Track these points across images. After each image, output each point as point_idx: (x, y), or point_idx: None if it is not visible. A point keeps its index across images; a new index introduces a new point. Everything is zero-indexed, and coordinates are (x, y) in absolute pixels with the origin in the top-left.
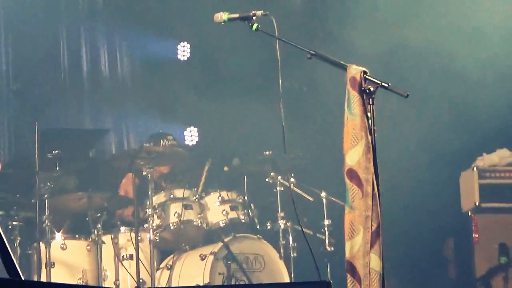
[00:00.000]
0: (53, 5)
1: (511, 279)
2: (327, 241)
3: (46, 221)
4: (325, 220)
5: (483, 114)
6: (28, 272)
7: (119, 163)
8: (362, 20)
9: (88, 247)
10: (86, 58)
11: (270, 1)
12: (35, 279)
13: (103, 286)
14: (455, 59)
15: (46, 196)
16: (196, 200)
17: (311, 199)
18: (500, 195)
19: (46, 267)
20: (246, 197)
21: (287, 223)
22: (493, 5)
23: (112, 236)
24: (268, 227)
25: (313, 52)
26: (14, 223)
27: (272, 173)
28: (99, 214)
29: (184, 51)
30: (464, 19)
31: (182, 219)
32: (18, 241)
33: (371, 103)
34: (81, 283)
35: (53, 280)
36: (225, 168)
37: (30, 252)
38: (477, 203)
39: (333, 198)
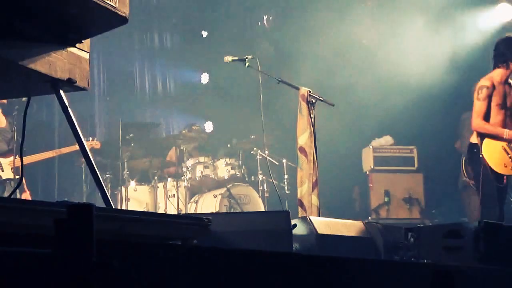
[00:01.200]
0: (130, 46)
1: (391, 210)
2: (286, 187)
3: (126, 174)
4: (285, 175)
5: (375, 114)
6: (115, 204)
7: (167, 141)
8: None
9: (149, 190)
10: (148, 81)
11: (255, 48)
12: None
13: (159, 212)
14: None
15: (126, 160)
16: (211, 163)
17: (277, 163)
18: (385, 162)
19: (125, 201)
20: (240, 162)
21: (263, 177)
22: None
23: (163, 184)
24: (253, 179)
25: (280, 79)
26: (108, 175)
27: (255, 148)
28: (155, 171)
29: (205, 77)
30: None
31: (203, 174)
32: (109, 186)
33: (313, 108)
34: (145, 210)
35: (129, 208)
36: (228, 145)
37: (116, 192)
38: (372, 167)
39: (290, 163)
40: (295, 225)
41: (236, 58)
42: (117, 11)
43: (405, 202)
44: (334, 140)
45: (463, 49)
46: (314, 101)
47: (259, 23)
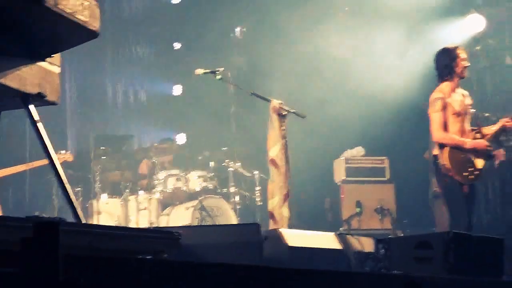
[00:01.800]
0: (102, 59)
1: (362, 220)
2: (257, 199)
3: (97, 187)
4: (256, 187)
5: (347, 125)
6: (86, 217)
7: (139, 154)
8: (283, 70)
9: (121, 203)
10: (120, 93)
11: (228, 60)
12: (90, 222)
13: (131, 226)
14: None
15: (97, 173)
16: (183, 175)
17: (249, 175)
18: (357, 173)
19: (96, 215)
20: (212, 174)
21: (235, 189)
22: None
23: (135, 196)
24: (225, 191)
25: (252, 91)
26: (79, 188)
27: (227, 160)
28: (127, 184)
29: (177, 89)
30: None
31: (175, 186)
32: (80, 199)
33: (284, 121)
34: (117, 224)
35: (100, 222)
36: (200, 157)
37: (87, 205)
38: (343, 178)
39: (262, 175)
40: (265, 238)
41: (208, 70)
42: (87, 25)
43: (377, 213)
44: (306, 152)
45: (429, 61)
46: (285, 113)
47: (232, 35)
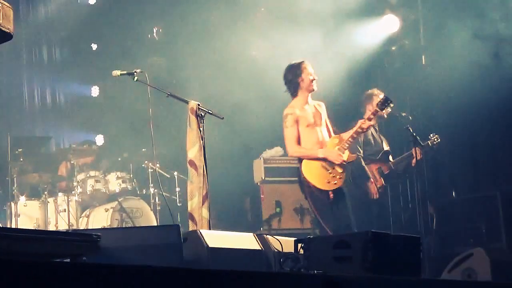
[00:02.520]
0: (18, 60)
1: (282, 220)
2: (177, 200)
3: (15, 190)
4: (176, 187)
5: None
6: (4, 221)
7: (57, 155)
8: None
9: (40, 205)
10: (37, 94)
11: (146, 60)
12: (8, 225)
13: (49, 230)
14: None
15: (15, 175)
16: (102, 177)
17: (168, 176)
18: (276, 173)
19: (15, 217)
20: (131, 175)
21: (155, 190)
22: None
23: (54, 198)
24: (144, 192)
25: (169, 93)
26: None
27: (146, 161)
28: (46, 186)
29: (95, 90)
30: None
31: (94, 188)
32: None
33: (202, 122)
34: (36, 227)
35: (19, 225)
36: (119, 159)
37: (5, 208)
38: (263, 178)
39: (181, 176)
40: (185, 239)
41: (125, 72)
42: (1, 27)
43: (296, 213)
44: (225, 152)
45: (350, 61)
46: (203, 114)
47: (149, 35)
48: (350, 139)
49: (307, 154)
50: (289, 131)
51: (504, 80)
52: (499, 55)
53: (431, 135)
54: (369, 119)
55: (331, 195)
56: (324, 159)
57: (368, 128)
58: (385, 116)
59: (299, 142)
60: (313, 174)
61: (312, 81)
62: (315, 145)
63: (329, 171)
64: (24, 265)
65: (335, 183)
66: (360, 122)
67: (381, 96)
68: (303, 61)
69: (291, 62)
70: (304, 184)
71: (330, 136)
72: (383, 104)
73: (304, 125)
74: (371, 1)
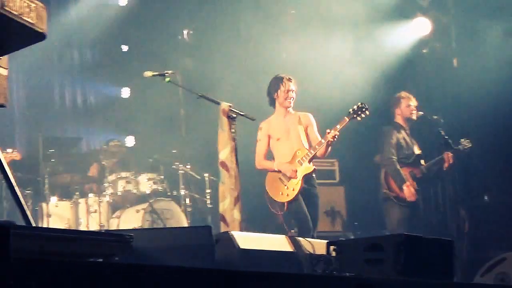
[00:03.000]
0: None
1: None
2: (208, 202)
3: (46, 190)
4: (207, 189)
5: None
6: (36, 221)
7: (88, 156)
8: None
9: (71, 206)
10: (68, 95)
11: (176, 62)
12: (40, 225)
13: (81, 229)
14: None
15: (46, 175)
16: (133, 178)
17: (199, 177)
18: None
19: (46, 217)
20: (162, 176)
21: (186, 191)
22: None
23: (85, 199)
24: (175, 193)
25: (201, 94)
26: (28, 191)
27: (176, 162)
28: (77, 186)
29: (125, 92)
30: None
31: (125, 189)
32: (30, 202)
33: (234, 123)
34: (67, 227)
35: (50, 225)
36: (150, 160)
37: (37, 208)
38: None
39: (212, 177)
40: (217, 240)
41: (156, 73)
42: (35, 27)
43: (327, 215)
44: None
45: (381, 64)
46: (235, 116)
47: (180, 37)
48: (311, 150)
49: (267, 167)
50: (259, 144)
51: None
52: None
53: (463, 140)
54: (335, 129)
55: (286, 207)
56: (279, 171)
57: (334, 140)
58: (414, 118)
59: (269, 154)
60: (272, 185)
61: (286, 98)
62: (285, 157)
63: (284, 183)
64: (57, 264)
65: (287, 195)
66: (330, 136)
67: (412, 100)
68: (284, 77)
69: (277, 75)
70: (266, 194)
71: (310, 145)
72: (355, 112)
73: (275, 138)
74: (402, 4)
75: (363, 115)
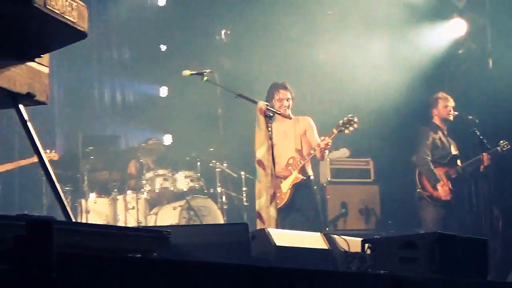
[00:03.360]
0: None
1: (347, 221)
2: (244, 199)
3: (86, 186)
4: (243, 187)
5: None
6: (75, 216)
7: (126, 154)
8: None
9: (109, 202)
10: (107, 94)
11: (214, 61)
12: (79, 221)
13: (119, 224)
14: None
15: (85, 172)
16: (171, 175)
17: (235, 175)
18: (342, 174)
19: (85, 213)
20: (199, 174)
21: (222, 189)
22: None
23: (123, 196)
24: (212, 191)
25: (238, 93)
26: (67, 188)
27: (213, 160)
28: (115, 183)
29: (163, 91)
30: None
31: (162, 186)
32: (69, 198)
33: (270, 122)
34: (105, 223)
35: (89, 221)
36: (187, 158)
37: (76, 205)
38: (329, 179)
39: (248, 175)
40: (253, 237)
41: (195, 72)
42: (76, 26)
43: (362, 214)
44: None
45: (419, 64)
46: (272, 114)
47: (217, 37)
48: (301, 160)
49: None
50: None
51: None
52: None
53: (501, 141)
54: (329, 136)
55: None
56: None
57: (326, 147)
58: (451, 118)
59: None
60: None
61: (281, 106)
62: (280, 161)
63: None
64: (97, 259)
65: (278, 202)
66: (323, 143)
67: (450, 101)
68: (279, 85)
69: (275, 82)
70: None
71: (303, 149)
72: (344, 124)
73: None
74: (438, 5)
75: (351, 128)
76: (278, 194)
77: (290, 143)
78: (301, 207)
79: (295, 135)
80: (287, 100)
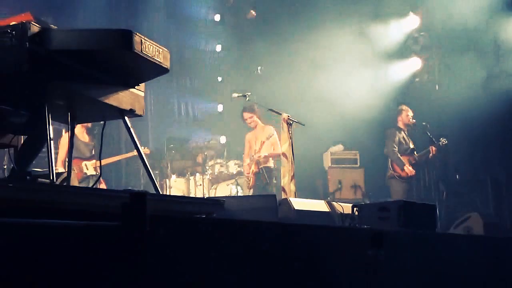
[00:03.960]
0: (170, 86)
1: (342, 193)
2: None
3: (168, 171)
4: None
5: (331, 129)
6: (161, 191)
7: (195, 149)
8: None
9: (185, 181)
10: (183, 108)
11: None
12: (165, 193)
13: (191, 195)
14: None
15: (168, 162)
16: (225, 163)
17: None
18: (338, 162)
19: (168, 189)
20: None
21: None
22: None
23: (193, 177)
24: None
25: (269, 108)
26: (156, 172)
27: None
28: (188, 168)
29: (220, 107)
30: None
31: (219, 171)
32: (157, 179)
33: (291, 127)
34: (182, 195)
35: (171, 194)
36: (236, 151)
37: (162, 183)
38: (330, 165)
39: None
40: (279, 204)
41: (240, 94)
42: (162, 64)
43: (351, 188)
44: (305, 147)
45: (389, 88)
46: (291, 122)
47: (255, 71)
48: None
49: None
50: (246, 147)
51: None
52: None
53: (441, 138)
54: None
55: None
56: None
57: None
58: (411, 123)
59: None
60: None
61: (249, 123)
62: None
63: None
64: (177, 218)
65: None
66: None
67: (409, 111)
68: (244, 108)
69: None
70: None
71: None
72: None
73: (247, 147)
74: (402, 48)
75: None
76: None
77: (257, 146)
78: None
79: (261, 139)
80: (250, 118)
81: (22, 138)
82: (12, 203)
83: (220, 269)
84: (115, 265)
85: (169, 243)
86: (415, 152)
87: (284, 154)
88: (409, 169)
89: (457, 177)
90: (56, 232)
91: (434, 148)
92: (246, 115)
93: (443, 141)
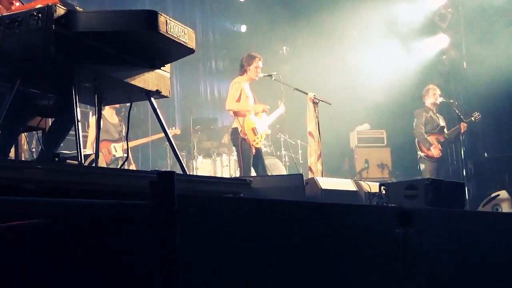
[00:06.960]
0: (196, 68)
1: (369, 172)
2: (300, 159)
3: (195, 152)
4: (299, 150)
5: (358, 109)
6: (188, 171)
7: (221, 130)
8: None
9: (211, 162)
10: (208, 91)
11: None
12: (191, 173)
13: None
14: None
15: (195, 143)
16: None
17: (294, 143)
18: (365, 141)
19: (195, 170)
20: (270, 142)
21: (285, 152)
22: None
23: (220, 158)
24: (278, 154)
25: (295, 88)
26: (183, 153)
27: (279, 133)
28: (215, 149)
29: None
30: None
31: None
32: (184, 160)
33: (317, 106)
34: (208, 175)
35: (198, 174)
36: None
37: (189, 164)
38: (356, 144)
39: (303, 143)
40: (306, 183)
41: (266, 74)
42: (187, 45)
43: (378, 167)
44: (332, 127)
45: (417, 66)
46: (317, 101)
47: (281, 51)
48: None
49: (241, 109)
50: (232, 93)
51: None
52: None
53: (474, 113)
54: None
55: (253, 151)
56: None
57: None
58: (438, 102)
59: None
60: (248, 131)
61: (257, 73)
62: (248, 106)
63: (256, 135)
64: (206, 198)
65: (257, 144)
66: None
67: (437, 90)
68: (256, 57)
69: (250, 53)
70: (239, 135)
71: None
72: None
73: (244, 96)
74: (429, 25)
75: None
76: (258, 138)
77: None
78: None
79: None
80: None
81: (50, 121)
82: (41, 185)
83: (247, 247)
84: (146, 242)
85: (198, 221)
86: (445, 130)
87: (310, 134)
88: (436, 150)
89: (486, 154)
90: (90, 210)
91: (464, 125)
92: (261, 63)
93: (477, 114)
